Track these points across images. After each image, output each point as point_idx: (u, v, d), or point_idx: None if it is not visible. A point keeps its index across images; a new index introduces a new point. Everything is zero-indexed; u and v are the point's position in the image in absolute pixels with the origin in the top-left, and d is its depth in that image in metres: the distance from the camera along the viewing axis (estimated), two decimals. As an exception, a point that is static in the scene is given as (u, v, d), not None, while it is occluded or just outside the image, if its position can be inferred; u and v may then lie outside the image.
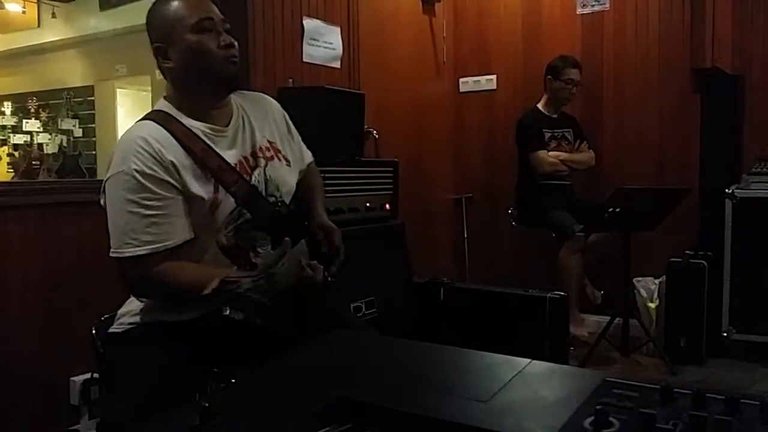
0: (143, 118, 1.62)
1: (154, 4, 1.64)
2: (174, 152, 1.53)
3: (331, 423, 0.89)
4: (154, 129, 1.56)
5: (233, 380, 1.55)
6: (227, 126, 1.66)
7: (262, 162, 1.68)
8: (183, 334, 1.52)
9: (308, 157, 1.93)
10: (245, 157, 1.65)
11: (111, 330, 1.60)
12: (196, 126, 1.60)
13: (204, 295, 1.33)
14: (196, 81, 1.61)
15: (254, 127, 1.71)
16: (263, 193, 1.65)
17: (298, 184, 1.83)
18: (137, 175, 1.47)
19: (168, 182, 1.50)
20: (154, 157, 1.49)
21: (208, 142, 1.59)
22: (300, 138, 1.91)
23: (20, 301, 2.29)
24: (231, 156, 1.62)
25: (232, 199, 1.57)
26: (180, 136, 1.55)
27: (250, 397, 0.98)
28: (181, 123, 1.59)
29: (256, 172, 1.65)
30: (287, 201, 1.72)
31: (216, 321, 1.56)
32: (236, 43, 1.62)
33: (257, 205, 1.59)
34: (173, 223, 1.50)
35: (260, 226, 1.61)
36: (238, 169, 1.62)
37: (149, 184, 1.48)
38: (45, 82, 5.42)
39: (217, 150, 1.60)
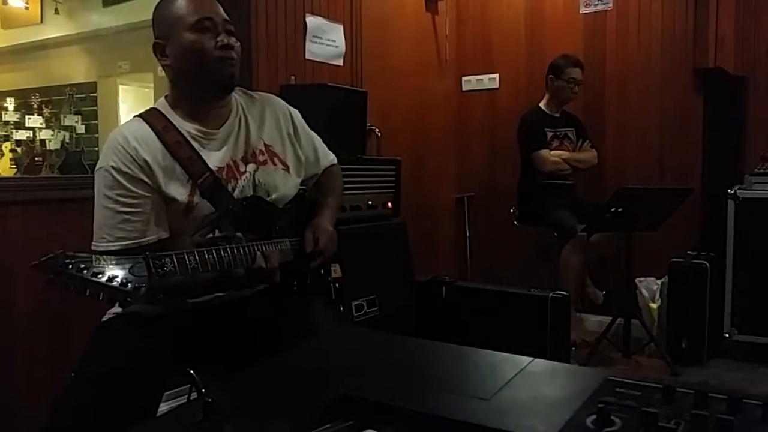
0: (135, 116, 1.63)
1: (160, 1, 1.64)
2: (152, 151, 1.54)
3: (334, 419, 0.89)
4: (139, 127, 1.57)
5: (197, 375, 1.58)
6: (219, 128, 1.65)
7: (253, 167, 1.67)
8: (158, 326, 1.52)
9: (326, 161, 1.93)
10: (234, 161, 1.65)
11: (102, 320, 1.62)
12: (185, 127, 1.60)
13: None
14: (192, 80, 1.62)
15: (251, 130, 1.70)
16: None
17: (314, 186, 1.87)
18: (114, 172, 1.50)
19: (142, 181, 1.52)
20: (131, 155, 1.51)
21: (195, 143, 1.59)
22: (318, 141, 1.91)
23: (24, 296, 2.29)
24: (218, 159, 1.62)
25: (208, 204, 1.56)
26: (162, 134, 1.56)
27: (253, 393, 0.98)
28: (170, 122, 1.59)
29: (244, 176, 1.64)
30: (279, 206, 1.71)
31: (193, 317, 1.58)
32: (237, 45, 1.62)
33: (219, 198, 1.58)
34: (146, 221, 1.51)
35: (221, 219, 1.59)
36: (225, 172, 1.61)
37: (124, 182, 1.50)
38: (48, 78, 5.42)
39: (205, 151, 1.60)
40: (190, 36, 1.56)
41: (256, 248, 1.51)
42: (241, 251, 1.47)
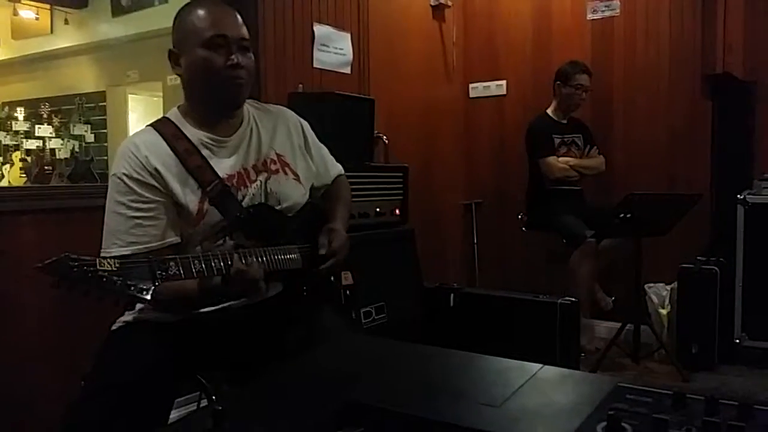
0: (148, 125, 1.65)
1: (182, 7, 1.64)
2: (162, 159, 1.55)
3: (343, 427, 0.89)
4: (150, 136, 1.59)
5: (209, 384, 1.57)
6: (231, 136, 1.67)
7: (264, 175, 1.68)
8: (168, 334, 1.53)
9: (335, 171, 1.95)
10: (245, 169, 1.66)
11: (112, 328, 1.62)
12: (196, 135, 1.62)
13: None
14: (200, 93, 1.64)
15: (263, 140, 1.72)
16: None
17: (322, 195, 1.88)
18: (125, 179, 1.52)
19: (154, 186, 1.53)
20: (141, 162, 1.53)
21: (205, 150, 1.60)
22: (326, 153, 1.93)
23: (34, 304, 2.31)
24: (228, 166, 1.63)
25: (217, 212, 1.57)
26: (172, 143, 1.57)
27: (262, 401, 0.98)
28: (180, 130, 1.61)
29: (255, 184, 1.66)
30: (289, 215, 1.71)
31: (204, 324, 1.58)
32: (250, 62, 1.62)
33: (227, 205, 1.58)
34: (157, 226, 1.52)
35: (229, 226, 1.60)
36: (235, 179, 1.63)
37: (136, 187, 1.52)
38: (57, 88, 5.47)
39: (215, 159, 1.61)
40: (202, 52, 1.57)
41: (262, 254, 1.52)
42: (249, 257, 1.47)
